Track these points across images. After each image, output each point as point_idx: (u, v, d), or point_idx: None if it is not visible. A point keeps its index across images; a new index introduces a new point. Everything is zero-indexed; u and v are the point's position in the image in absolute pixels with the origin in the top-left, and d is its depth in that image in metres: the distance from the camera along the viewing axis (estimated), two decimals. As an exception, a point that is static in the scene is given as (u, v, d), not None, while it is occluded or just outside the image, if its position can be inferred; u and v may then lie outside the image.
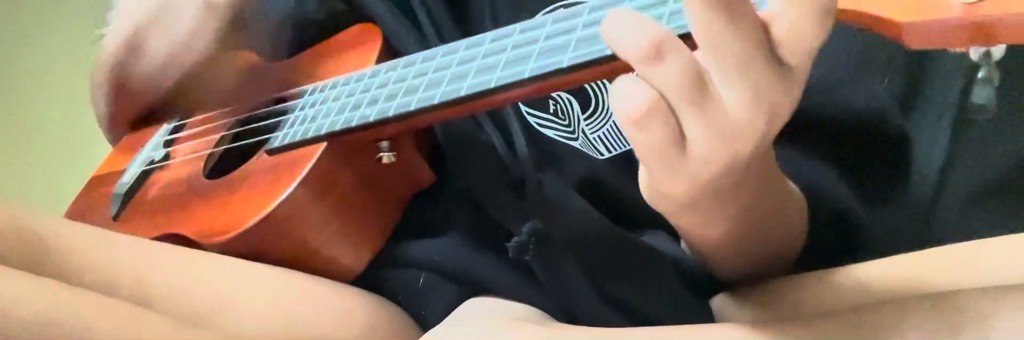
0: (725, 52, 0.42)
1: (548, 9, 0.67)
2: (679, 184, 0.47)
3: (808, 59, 0.43)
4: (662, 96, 0.43)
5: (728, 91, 0.43)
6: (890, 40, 0.44)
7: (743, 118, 0.43)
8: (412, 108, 0.62)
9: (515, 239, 0.62)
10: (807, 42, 0.42)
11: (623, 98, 0.44)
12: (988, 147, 0.87)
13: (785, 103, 0.44)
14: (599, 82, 0.70)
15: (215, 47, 0.72)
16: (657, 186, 0.48)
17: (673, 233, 0.68)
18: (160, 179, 0.80)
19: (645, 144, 0.45)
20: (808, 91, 0.66)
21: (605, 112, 0.70)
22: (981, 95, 0.43)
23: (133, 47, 0.73)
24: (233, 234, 0.66)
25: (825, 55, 0.68)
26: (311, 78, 0.76)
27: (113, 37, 0.75)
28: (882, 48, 0.88)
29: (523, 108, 0.69)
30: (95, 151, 0.97)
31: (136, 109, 0.83)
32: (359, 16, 0.77)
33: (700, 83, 0.43)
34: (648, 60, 0.43)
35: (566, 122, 0.70)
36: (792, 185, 0.60)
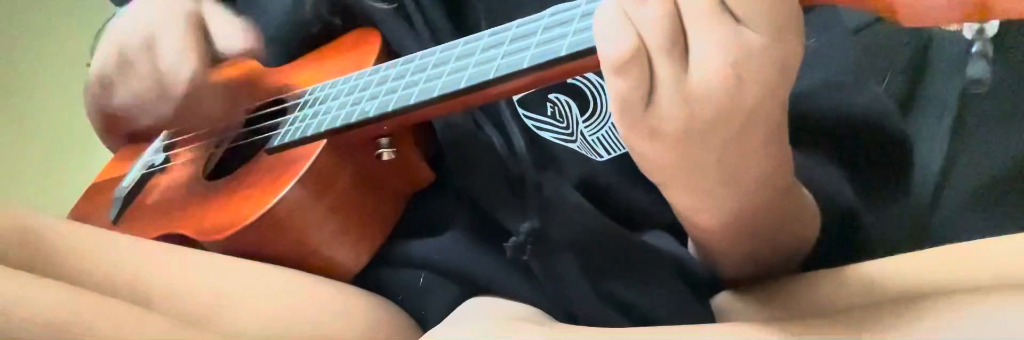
0: (685, 3, 0.44)
1: None
2: (643, 141, 0.48)
3: (765, 17, 0.44)
4: (642, 41, 0.45)
5: (691, 46, 0.44)
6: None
7: (700, 76, 0.44)
8: (411, 102, 0.62)
9: (512, 239, 0.62)
10: None
11: (608, 43, 0.46)
12: (988, 147, 0.87)
13: (751, 67, 0.44)
14: (597, 84, 0.70)
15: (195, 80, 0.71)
16: (627, 142, 0.50)
17: (674, 233, 0.68)
18: (160, 182, 0.80)
19: (618, 93, 0.46)
20: (812, 94, 0.66)
21: (604, 114, 0.70)
22: (977, 69, 0.43)
23: (106, 86, 0.73)
24: (232, 231, 0.66)
25: (826, 60, 0.68)
26: (311, 81, 0.76)
27: (95, 70, 0.75)
28: (883, 50, 0.89)
29: (521, 111, 0.69)
30: (95, 152, 0.97)
31: (128, 132, 0.84)
32: (358, 20, 0.77)
33: (676, 32, 0.44)
34: None
35: (565, 124, 0.70)
36: (808, 195, 0.60)
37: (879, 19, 0.89)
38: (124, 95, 0.71)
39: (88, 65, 0.83)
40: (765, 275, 0.64)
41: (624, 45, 0.45)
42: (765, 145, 0.49)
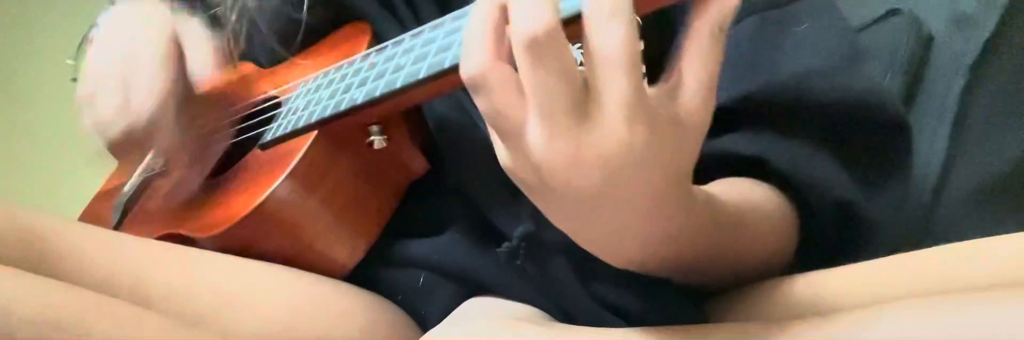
0: (537, 90, 0.43)
1: None
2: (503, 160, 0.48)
3: (616, 106, 0.42)
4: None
5: (595, 99, 0.43)
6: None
7: (600, 137, 0.43)
8: (398, 85, 0.61)
9: (505, 244, 0.62)
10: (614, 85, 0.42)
11: (463, 55, 0.45)
12: (988, 147, 0.87)
13: (587, 159, 0.44)
14: None
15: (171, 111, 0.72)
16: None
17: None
18: (162, 185, 0.80)
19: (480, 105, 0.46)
20: (802, 80, 0.65)
21: None
22: (967, 3, 0.42)
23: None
24: (225, 227, 0.66)
25: (817, 46, 0.67)
26: (304, 76, 0.76)
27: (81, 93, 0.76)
28: (883, 50, 0.89)
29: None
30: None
31: None
32: (350, 18, 0.77)
33: (577, 90, 0.43)
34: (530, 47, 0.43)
35: None
36: (751, 221, 0.60)
37: (879, 19, 0.88)
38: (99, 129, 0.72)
39: (74, 80, 0.84)
40: (741, 283, 0.63)
41: (469, 66, 0.45)
42: (658, 207, 0.48)
